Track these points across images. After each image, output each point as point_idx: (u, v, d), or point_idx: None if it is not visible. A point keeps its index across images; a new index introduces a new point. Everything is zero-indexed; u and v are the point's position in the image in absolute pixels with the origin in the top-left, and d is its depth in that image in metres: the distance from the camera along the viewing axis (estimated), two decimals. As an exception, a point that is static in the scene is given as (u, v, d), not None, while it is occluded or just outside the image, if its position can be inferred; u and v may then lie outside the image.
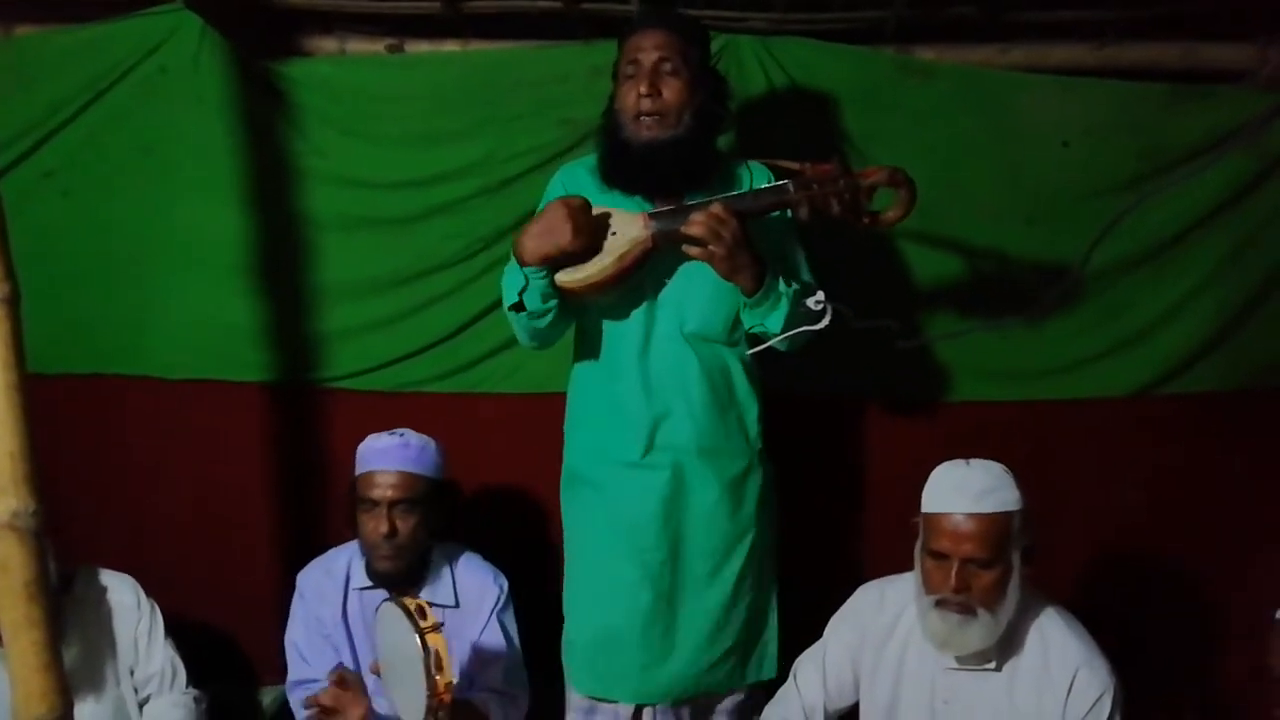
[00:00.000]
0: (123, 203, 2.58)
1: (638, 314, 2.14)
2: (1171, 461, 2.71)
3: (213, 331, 2.65)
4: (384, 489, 2.17)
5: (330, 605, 2.27)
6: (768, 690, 2.24)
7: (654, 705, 2.21)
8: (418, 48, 2.63)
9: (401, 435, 2.23)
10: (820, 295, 2.05)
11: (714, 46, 2.48)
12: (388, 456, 2.19)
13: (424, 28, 2.62)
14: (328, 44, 2.64)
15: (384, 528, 2.16)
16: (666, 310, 2.14)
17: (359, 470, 2.23)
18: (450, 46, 2.62)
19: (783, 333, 2.08)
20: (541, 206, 2.18)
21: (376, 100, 2.57)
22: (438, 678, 1.77)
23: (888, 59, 2.56)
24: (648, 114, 2.04)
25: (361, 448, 2.25)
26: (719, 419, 2.16)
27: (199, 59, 2.48)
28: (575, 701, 2.28)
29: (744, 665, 2.26)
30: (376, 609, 1.96)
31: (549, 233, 1.99)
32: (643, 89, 2.03)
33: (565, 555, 2.30)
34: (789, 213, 2.09)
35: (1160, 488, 2.71)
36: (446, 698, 1.79)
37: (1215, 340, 2.65)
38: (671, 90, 2.04)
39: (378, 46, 2.63)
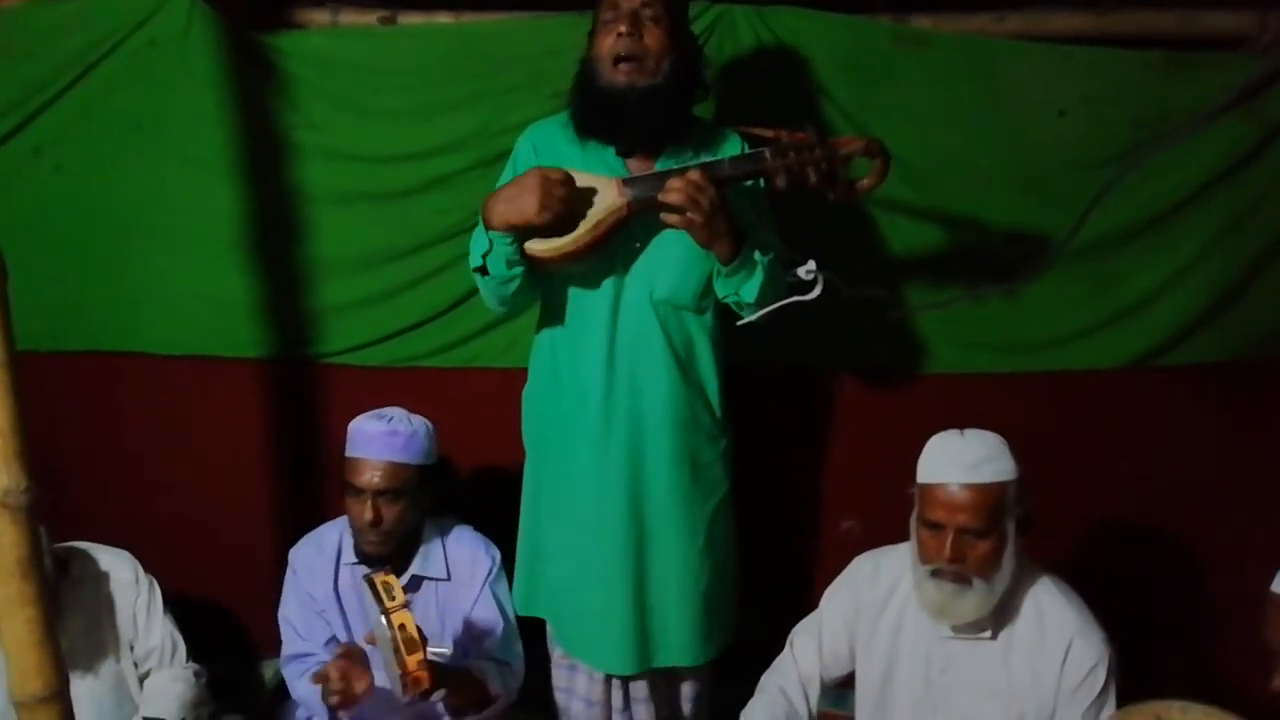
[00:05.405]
0: (114, 178, 2.57)
1: (607, 280, 2.10)
2: (1168, 433, 2.70)
3: (207, 307, 2.64)
4: (369, 478, 2.15)
5: (322, 580, 2.28)
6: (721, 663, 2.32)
7: (625, 675, 2.24)
8: (410, 20, 2.60)
9: (389, 421, 2.19)
10: (812, 264, 2.03)
11: (709, 17, 2.46)
12: (374, 445, 2.17)
13: (416, -1, 2.60)
14: (319, 16, 2.62)
15: (368, 515, 2.15)
16: (636, 276, 2.11)
17: (347, 452, 2.21)
18: (443, 18, 2.60)
19: (775, 301, 2.05)
20: (510, 164, 2.17)
21: (369, 73, 2.54)
22: (406, 656, 1.77)
23: (883, 28, 2.53)
24: (626, 57, 1.98)
25: (351, 427, 2.23)
26: (682, 388, 2.14)
27: (189, 32, 2.46)
28: (557, 656, 2.32)
29: (709, 637, 2.26)
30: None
31: (515, 200, 1.95)
32: (623, 28, 1.97)
33: (522, 521, 2.31)
34: (762, 181, 2.07)
35: (1156, 459, 2.70)
36: (421, 674, 1.79)
37: (1213, 310, 2.63)
38: (652, 36, 1.99)
39: (370, 19, 2.60)
